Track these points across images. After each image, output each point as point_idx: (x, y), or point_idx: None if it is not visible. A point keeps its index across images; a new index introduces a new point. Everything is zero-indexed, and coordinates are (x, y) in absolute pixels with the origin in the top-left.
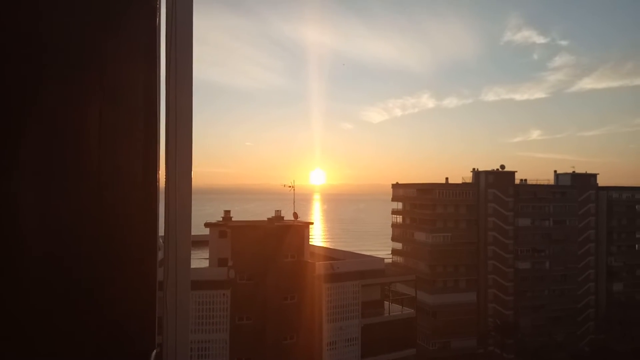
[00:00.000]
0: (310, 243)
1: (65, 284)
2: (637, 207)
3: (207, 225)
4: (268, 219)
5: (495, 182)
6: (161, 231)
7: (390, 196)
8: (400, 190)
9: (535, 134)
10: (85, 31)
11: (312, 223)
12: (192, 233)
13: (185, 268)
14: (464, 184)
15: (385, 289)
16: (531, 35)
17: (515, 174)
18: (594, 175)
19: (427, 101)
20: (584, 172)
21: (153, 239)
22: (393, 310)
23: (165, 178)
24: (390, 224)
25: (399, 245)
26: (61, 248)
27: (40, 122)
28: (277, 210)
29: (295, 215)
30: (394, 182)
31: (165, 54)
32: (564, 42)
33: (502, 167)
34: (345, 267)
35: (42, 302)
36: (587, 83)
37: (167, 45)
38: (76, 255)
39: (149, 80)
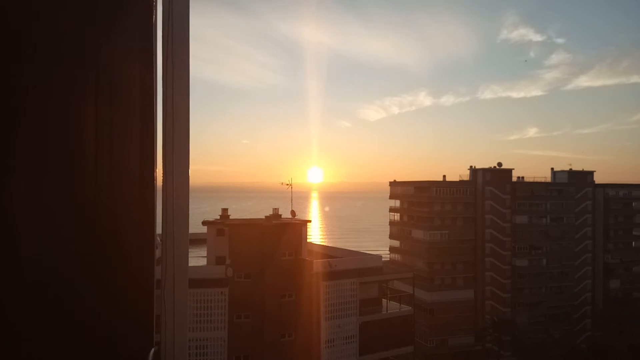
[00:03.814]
0: (308, 241)
1: (63, 282)
2: (633, 204)
3: (204, 223)
4: (266, 217)
5: (492, 180)
6: (159, 229)
7: (388, 194)
8: (398, 188)
9: (532, 132)
10: (81, 29)
11: (309, 221)
12: (190, 231)
13: (183, 266)
14: (461, 182)
15: (383, 287)
16: (527, 33)
17: (512, 171)
18: (591, 173)
19: (424, 99)
20: (580, 169)
21: (151, 237)
22: (391, 307)
23: (163, 176)
24: (388, 222)
25: (396, 243)
26: (58, 247)
27: (37, 121)
28: (275, 208)
29: (293, 213)
30: (392, 180)
31: (161, 52)
32: (560, 40)
33: (499, 164)
34: (343, 264)
35: (39, 302)
36: (584, 81)
37: (164, 43)
38: (73, 253)
39: (146, 79)
